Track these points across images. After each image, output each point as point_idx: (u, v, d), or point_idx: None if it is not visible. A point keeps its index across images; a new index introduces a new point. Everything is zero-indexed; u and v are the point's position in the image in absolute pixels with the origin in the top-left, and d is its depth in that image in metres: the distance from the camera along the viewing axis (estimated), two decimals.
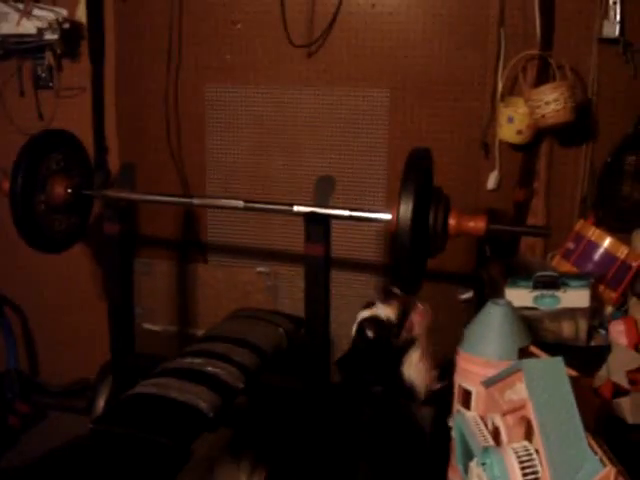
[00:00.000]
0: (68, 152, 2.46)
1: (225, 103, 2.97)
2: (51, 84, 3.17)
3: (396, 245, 1.86)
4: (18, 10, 2.89)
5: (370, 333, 1.82)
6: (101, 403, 2.63)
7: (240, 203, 2.22)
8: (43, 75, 3.17)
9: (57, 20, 2.92)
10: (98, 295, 3.26)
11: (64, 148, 2.44)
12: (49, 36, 2.95)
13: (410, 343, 1.80)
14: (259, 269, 3.10)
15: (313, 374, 2.26)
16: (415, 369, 1.83)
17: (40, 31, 2.91)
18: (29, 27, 2.89)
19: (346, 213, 2.09)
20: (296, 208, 2.11)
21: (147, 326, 3.28)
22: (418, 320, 1.80)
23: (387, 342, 1.79)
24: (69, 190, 2.37)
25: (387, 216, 2.00)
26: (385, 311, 1.82)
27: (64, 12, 2.95)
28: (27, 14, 2.87)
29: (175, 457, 1.76)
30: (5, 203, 2.28)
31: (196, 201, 2.37)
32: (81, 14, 3.01)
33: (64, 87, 3.15)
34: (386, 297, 1.84)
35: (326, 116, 2.88)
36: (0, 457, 2.99)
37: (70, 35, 3.03)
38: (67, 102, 3.16)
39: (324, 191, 2.11)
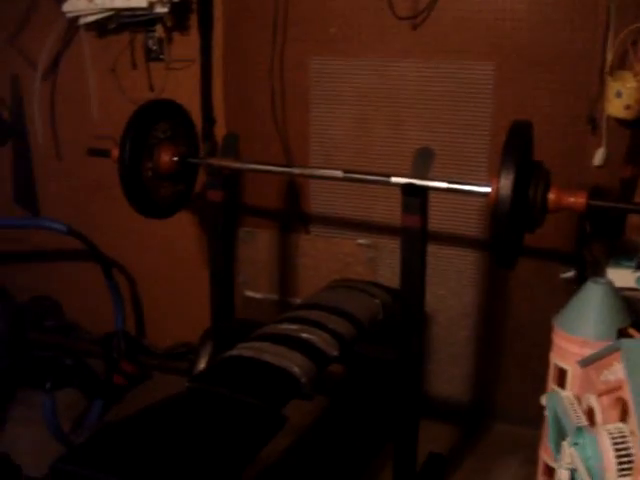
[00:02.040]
0: (175, 121, 2.53)
1: (329, 75, 2.99)
2: (161, 56, 3.25)
3: (494, 218, 1.85)
4: None
5: None
6: (202, 366, 2.71)
7: (339, 173, 2.24)
8: (154, 48, 3.26)
9: None
10: (202, 261, 3.35)
11: (171, 118, 2.51)
12: (160, 9, 3.01)
13: None
14: (360, 241, 3.12)
15: (408, 345, 2.27)
16: None
17: (151, 5, 2.98)
18: (140, 1, 2.96)
19: (444, 185, 2.08)
20: (394, 179, 2.11)
21: (249, 293, 3.35)
22: None
23: None
24: (175, 158, 2.44)
25: (486, 189, 1.99)
26: None
27: None
28: None
29: (265, 419, 1.80)
30: (115, 170, 2.38)
31: (296, 170, 2.41)
32: None
33: (174, 59, 3.23)
34: None
35: (429, 89, 2.85)
36: (106, 412, 3.15)
37: (180, 8, 3.09)
38: (177, 74, 3.24)
39: (422, 163, 2.10)
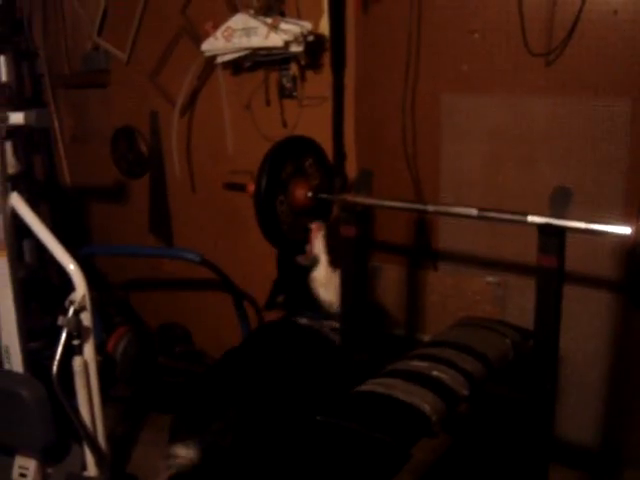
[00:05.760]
0: (309, 158, 2.58)
1: (461, 111, 2.99)
2: (295, 94, 3.34)
3: (635, 259, 1.81)
4: (267, 24, 3.07)
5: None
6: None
7: (474, 211, 2.22)
8: (288, 85, 3.35)
9: (302, 33, 3.06)
10: None
11: (305, 154, 2.57)
12: (294, 48, 3.09)
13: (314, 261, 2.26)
14: (488, 279, 3.08)
15: (540, 388, 2.22)
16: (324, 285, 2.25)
17: (286, 44, 3.06)
18: (276, 40, 3.05)
19: (582, 225, 2.03)
20: (530, 218, 2.08)
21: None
22: (315, 236, 1.91)
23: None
24: (309, 194, 2.48)
25: (625, 230, 1.93)
26: None
27: (309, 25, 3.10)
28: (275, 28, 3.04)
29: (394, 457, 1.80)
30: (248, 203, 2.44)
31: (431, 208, 2.39)
32: (324, 27, 3.15)
33: (307, 96, 3.31)
34: None
35: (562, 126, 2.80)
36: None
37: (314, 47, 3.17)
38: (309, 111, 3.32)
39: (560, 202, 2.06)
